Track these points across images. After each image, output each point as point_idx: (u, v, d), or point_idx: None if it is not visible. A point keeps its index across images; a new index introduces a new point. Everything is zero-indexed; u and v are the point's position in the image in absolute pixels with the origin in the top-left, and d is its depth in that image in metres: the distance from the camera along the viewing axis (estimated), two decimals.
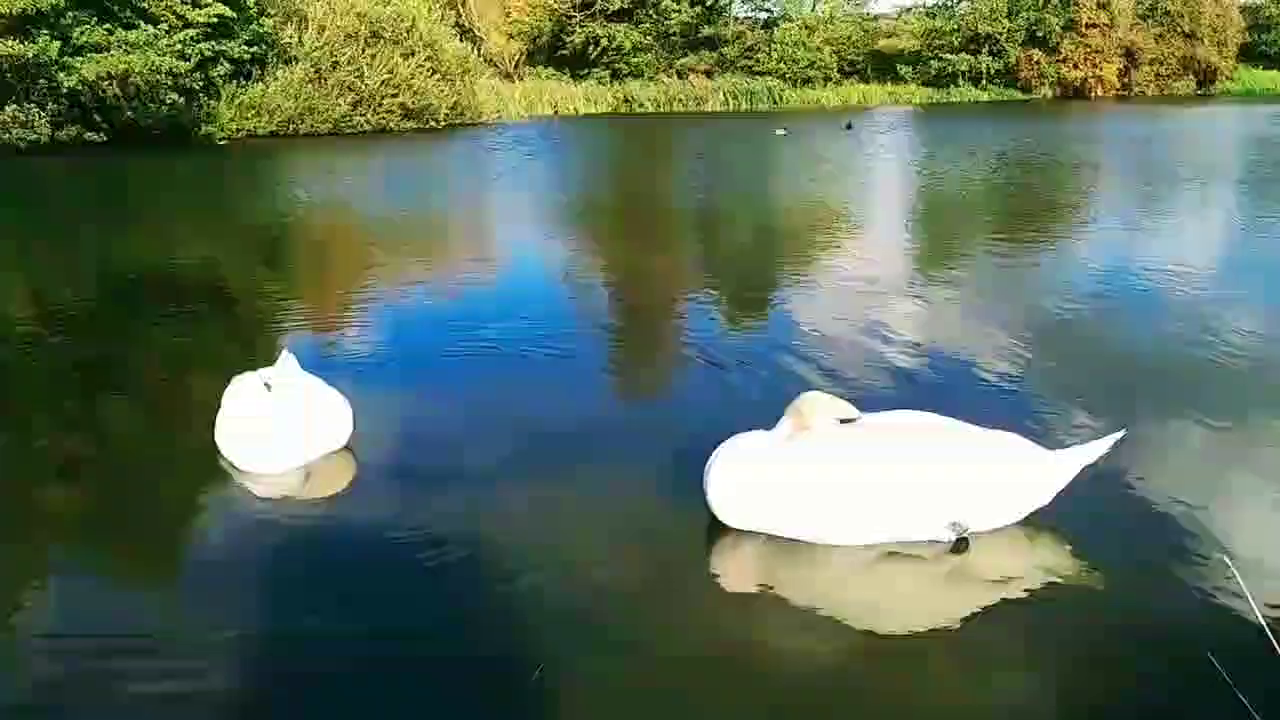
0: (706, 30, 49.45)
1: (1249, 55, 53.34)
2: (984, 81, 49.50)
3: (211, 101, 27.94)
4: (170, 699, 2.73)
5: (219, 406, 4.40)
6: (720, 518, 3.55)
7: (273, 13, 29.33)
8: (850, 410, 3.49)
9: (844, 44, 50.99)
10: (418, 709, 2.67)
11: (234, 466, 4.23)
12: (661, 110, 45.38)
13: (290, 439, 4.20)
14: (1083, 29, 48.37)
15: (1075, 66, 48.86)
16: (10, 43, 22.96)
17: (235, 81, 28.44)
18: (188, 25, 26.22)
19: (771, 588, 3.26)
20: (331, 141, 27.05)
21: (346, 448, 4.40)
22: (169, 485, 4.23)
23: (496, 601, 3.18)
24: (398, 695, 2.72)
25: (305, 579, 3.37)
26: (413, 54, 31.29)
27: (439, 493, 4.00)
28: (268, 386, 4.33)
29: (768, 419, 3.59)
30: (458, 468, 4.24)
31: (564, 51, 49.81)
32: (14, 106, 23.86)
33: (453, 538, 3.60)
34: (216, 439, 4.33)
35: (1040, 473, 3.47)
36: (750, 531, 3.51)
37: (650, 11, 48.76)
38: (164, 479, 4.29)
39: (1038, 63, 49.08)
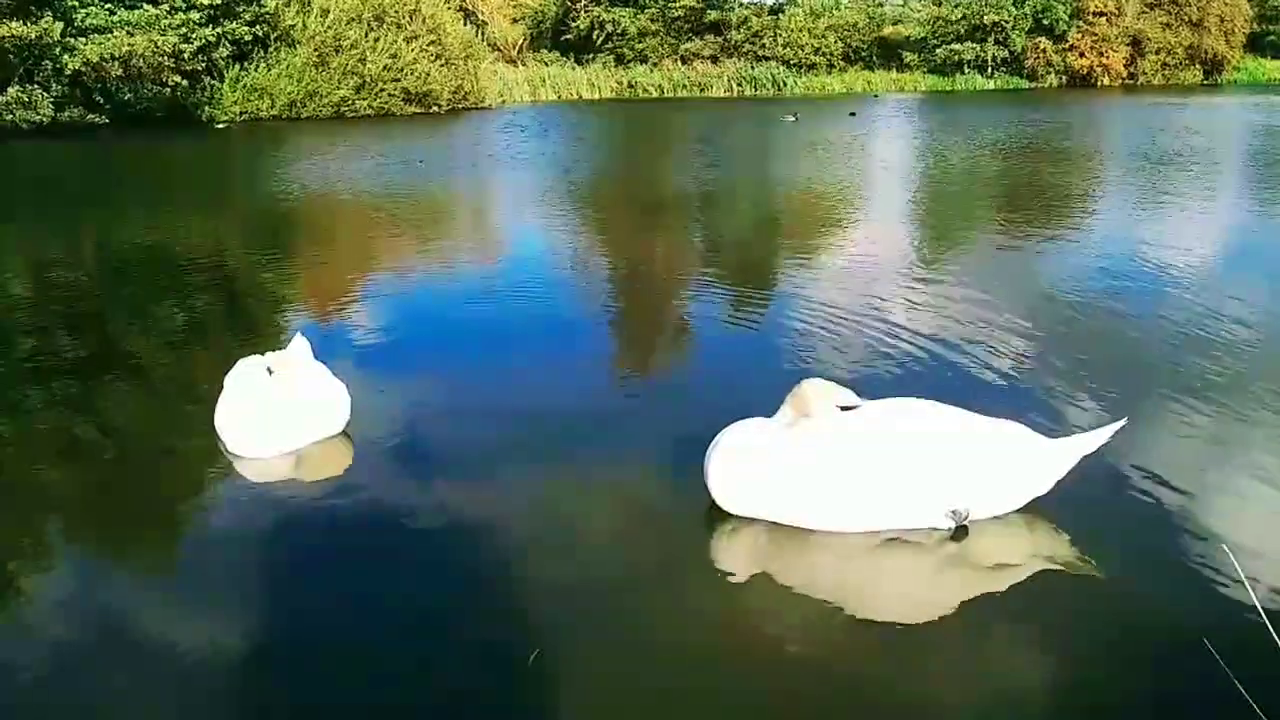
0: (711, 15, 49.26)
1: (1256, 46, 53.08)
2: (990, 70, 49.29)
3: (214, 84, 27.92)
4: (165, 684, 2.74)
5: (220, 389, 4.41)
6: (720, 504, 3.55)
7: None
8: (851, 397, 3.48)
9: (849, 30, 50.79)
10: (413, 693, 2.68)
11: (228, 450, 4.23)
12: (665, 96, 45.24)
13: (284, 424, 4.20)
14: (1090, 17, 48.16)
15: (1082, 55, 48.66)
16: (13, 24, 22.91)
17: (239, 64, 28.40)
18: (191, 7, 26.15)
19: (771, 574, 3.26)
20: (334, 125, 26.98)
21: (345, 433, 4.40)
22: (168, 468, 4.24)
23: (493, 586, 3.19)
24: (394, 679, 2.73)
25: (298, 563, 3.37)
26: (416, 38, 31.21)
27: (436, 477, 4.01)
28: (269, 371, 4.34)
29: (768, 405, 3.59)
30: (455, 452, 4.25)
31: (568, 36, 49.64)
32: (17, 88, 23.83)
33: (449, 522, 3.61)
34: (215, 422, 4.33)
35: (1040, 461, 3.47)
36: (750, 518, 3.52)
37: None
38: (164, 462, 4.30)
39: (1044, 51, 48.88)
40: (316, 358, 4.55)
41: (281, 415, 4.19)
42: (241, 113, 28.42)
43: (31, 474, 4.22)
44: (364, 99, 30.11)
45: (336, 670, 2.78)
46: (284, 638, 2.94)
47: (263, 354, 4.48)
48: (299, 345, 4.55)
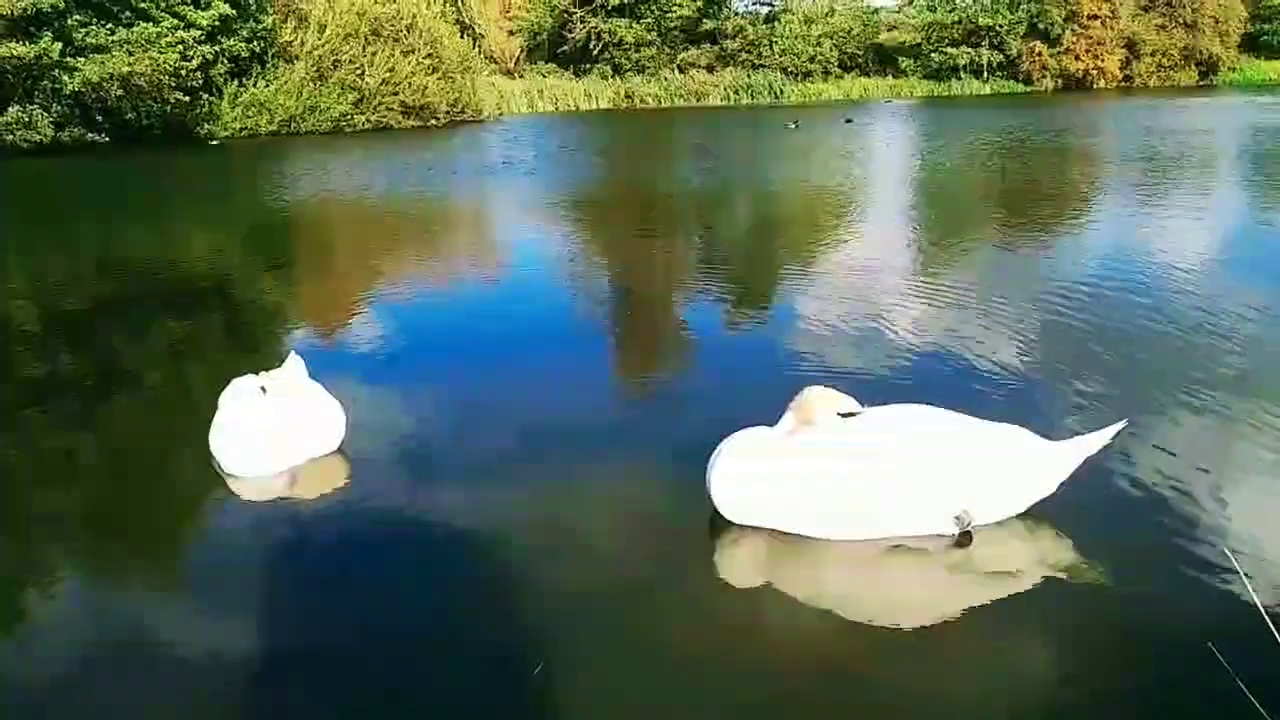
0: (707, 24, 49.48)
1: (1251, 46, 53.22)
2: (985, 74, 49.43)
3: (214, 101, 28.02)
4: (165, 698, 2.73)
5: (215, 408, 4.39)
6: (723, 513, 3.54)
7: (272, 10, 29.36)
8: (852, 404, 3.48)
9: (845, 37, 50.99)
10: (417, 707, 2.67)
11: (223, 470, 4.20)
12: (663, 105, 45.34)
13: (279, 443, 4.18)
14: (1084, 20, 48.35)
15: (1077, 58, 48.83)
16: (12, 44, 23.00)
17: (237, 81, 28.52)
18: (190, 25, 26.26)
19: (774, 583, 3.26)
20: (333, 140, 27.05)
21: (340, 451, 4.37)
22: (164, 487, 4.23)
23: (495, 598, 3.17)
24: (396, 693, 2.72)
25: (296, 580, 3.36)
26: (413, 51, 31.33)
27: (432, 492, 3.99)
28: (263, 390, 4.33)
29: (770, 414, 3.60)
30: (452, 467, 4.23)
31: (565, 48, 49.81)
32: (17, 108, 23.93)
33: (447, 537, 3.60)
34: (210, 442, 4.31)
35: (1043, 464, 3.46)
36: (753, 527, 3.51)
37: (652, 6, 48.74)
38: (160, 481, 4.29)
39: (1039, 54, 49.04)
40: (312, 375, 4.54)
41: (276, 434, 4.17)
42: (241, 128, 28.52)
43: (28, 492, 4.22)
44: (362, 113, 30.22)
45: (338, 686, 2.77)
46: (283, 654, 2.93)
47: (257, 373, 4.47)
48: (293, 363, 4.54)
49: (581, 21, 49.07)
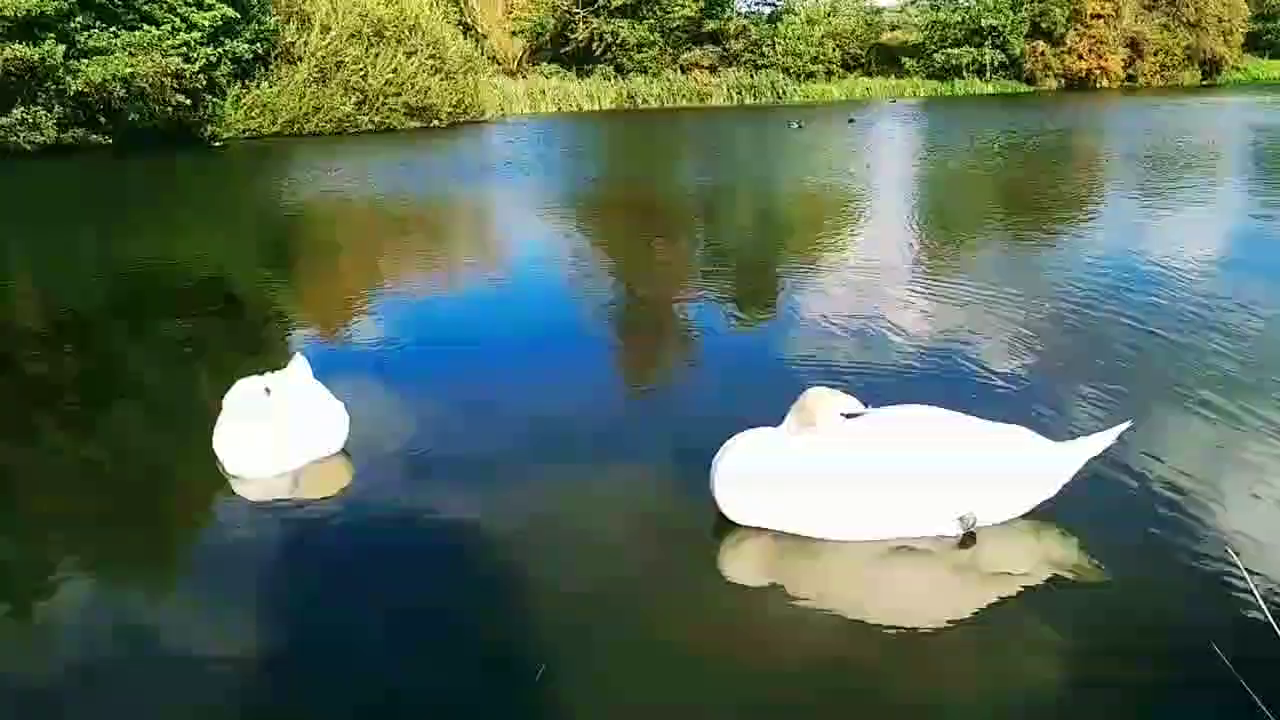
0: (710, 25, 49.42)
1: (1255, 45, 53.15)
2: (988, 74, 49.38)
3: (217, 102, 28.05)
4: (165, 698, 2.74)
5: (220, 409, 4.40)
6: (726, 514, 3.55)
7: (275, 11, 29.40)
8: (855, 405, 3.48)
9: (847, 37, 50.95)
10: (417, 707, 2.67)
11: (227, 470, 4.21)
12: (665, 106, 45.33)
13: (282, 444, 4.19)
14: (1087, 20, 48.29)
15: (1080, 58, 48.76)
16: (16, 46, 23.04)
17: (240, 82, 28.55)
18: (192, 27, 26.28)
19: (778, 584, 3.26)
20: (336, 141, 27.08)
21: (344, 451, 4.38)
22: (168, 489, 4.24)
23: (498, 601, 3.17)
24: (396, 694, 2.72)
25: (298, 581, 3.37)
26: (416, 53, 31.35)
27: (435, 493, 3.99)
28: (267, 391, 4.33)
29: (773, 414, 3.60)
30: (455, 468, 4.23)
31: (567, 49, 49.77)
32: (20, 109, 23.96)
33: (450, 538, 3.60)
34: (214, 443, 4.32)
35: (1046, 465, 3.46)
36: (756, 528, 3.52)
37: (654, 7, 48.70)
38: (164, 483, 4.30)
39: (1042, 54, 48.98)
40: (316, 376, 4.55)
41: (279, 435, 4.18)
42: (244, 130, 28.55)
43: (31, 492, 4.23)
44: (365, 114, 30.24)
45: (341, 687, 2.77)
46: (284, 654, 2.93)
47: (261, 374, 4.48)
48: (298, 365, 4.55)
49: (584, 22, 49.05)
